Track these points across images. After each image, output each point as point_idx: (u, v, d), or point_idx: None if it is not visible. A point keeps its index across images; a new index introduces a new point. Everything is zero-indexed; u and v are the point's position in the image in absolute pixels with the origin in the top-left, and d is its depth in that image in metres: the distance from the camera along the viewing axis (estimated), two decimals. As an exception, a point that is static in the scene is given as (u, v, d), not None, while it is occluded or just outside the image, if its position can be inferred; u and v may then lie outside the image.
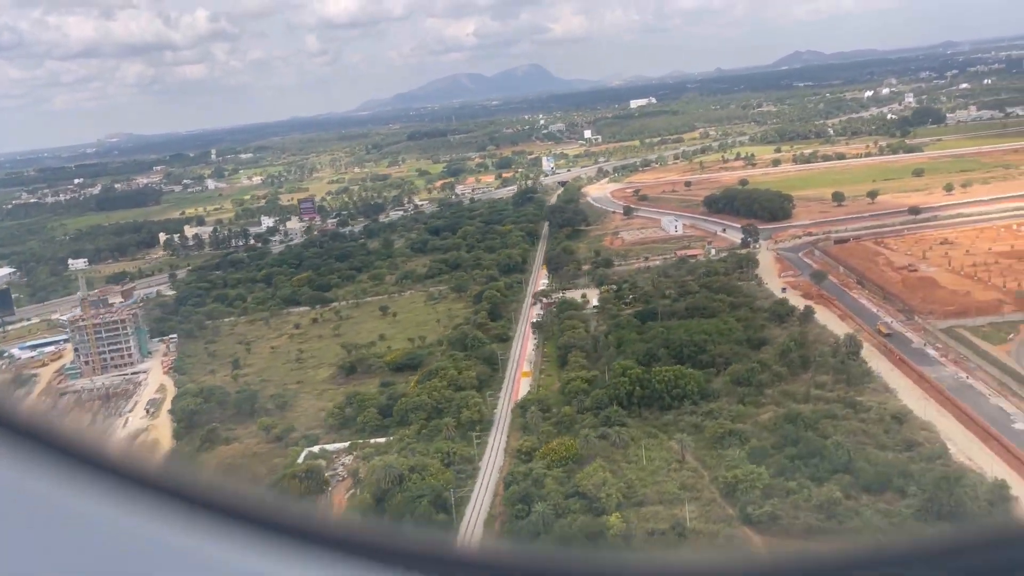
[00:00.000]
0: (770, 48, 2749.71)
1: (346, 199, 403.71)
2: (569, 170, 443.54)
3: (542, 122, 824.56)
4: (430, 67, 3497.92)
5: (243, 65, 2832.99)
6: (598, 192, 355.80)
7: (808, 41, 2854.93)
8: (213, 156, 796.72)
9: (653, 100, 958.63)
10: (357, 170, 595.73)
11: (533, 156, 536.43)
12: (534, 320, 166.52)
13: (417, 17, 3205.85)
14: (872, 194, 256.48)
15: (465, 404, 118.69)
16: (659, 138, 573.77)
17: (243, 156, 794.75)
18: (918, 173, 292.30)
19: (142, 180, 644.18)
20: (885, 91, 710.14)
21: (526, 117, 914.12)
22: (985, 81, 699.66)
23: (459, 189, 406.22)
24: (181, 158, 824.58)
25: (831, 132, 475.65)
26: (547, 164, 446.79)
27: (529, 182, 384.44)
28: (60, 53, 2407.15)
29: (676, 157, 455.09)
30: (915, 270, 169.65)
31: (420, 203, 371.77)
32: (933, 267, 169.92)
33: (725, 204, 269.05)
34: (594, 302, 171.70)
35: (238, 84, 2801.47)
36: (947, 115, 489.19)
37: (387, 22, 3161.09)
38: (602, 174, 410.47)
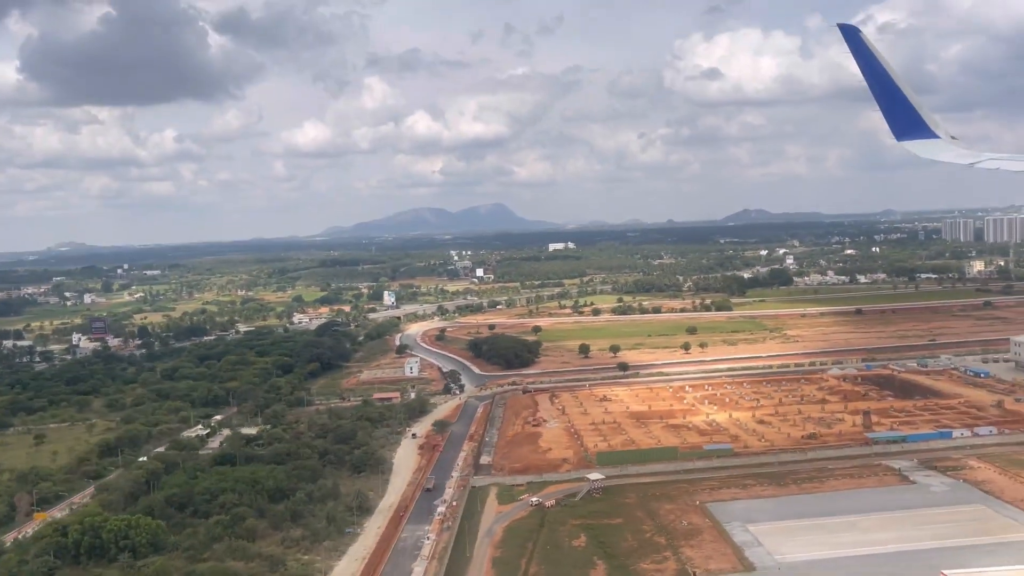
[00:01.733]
0: (722, 204, 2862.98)
1: (177, 321, 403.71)
2: (421, 305, 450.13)
3: (455, 258, 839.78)
4: (396, 199, 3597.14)
5: (210, 184, 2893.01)
6: (415, 329, 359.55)
7: (759, 200, 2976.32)
8: (120, 271, 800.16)
9: (571, 245, 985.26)
10: (241, 292, 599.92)
11: (418, 289, 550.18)
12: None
13: (384, 152, 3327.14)
14: (615, 348, 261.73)
15: None
16: (540, 282, 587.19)
17: (148, 273, 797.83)
18: (691, 331, 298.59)
19: (29, 290, 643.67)
20: (780, 251, 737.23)
21: (452, 253, 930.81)
22: (873, 249, 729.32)
23: (298, 317, 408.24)
24: (92, 270, 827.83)
25: (682, 287, 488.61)
26: (388, 299, 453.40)
27: (346, 316, 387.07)
28: (23, 161, 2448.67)
29: (527, 301, 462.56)
30: (537, 425, 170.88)
31: (242, 329, 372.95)
32: (556, 423, 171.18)
33: (487, 349, 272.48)
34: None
35: (204, 202, 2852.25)
36: (796, 279, 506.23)
37: (354, 154, 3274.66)
38: (440, 312, 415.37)
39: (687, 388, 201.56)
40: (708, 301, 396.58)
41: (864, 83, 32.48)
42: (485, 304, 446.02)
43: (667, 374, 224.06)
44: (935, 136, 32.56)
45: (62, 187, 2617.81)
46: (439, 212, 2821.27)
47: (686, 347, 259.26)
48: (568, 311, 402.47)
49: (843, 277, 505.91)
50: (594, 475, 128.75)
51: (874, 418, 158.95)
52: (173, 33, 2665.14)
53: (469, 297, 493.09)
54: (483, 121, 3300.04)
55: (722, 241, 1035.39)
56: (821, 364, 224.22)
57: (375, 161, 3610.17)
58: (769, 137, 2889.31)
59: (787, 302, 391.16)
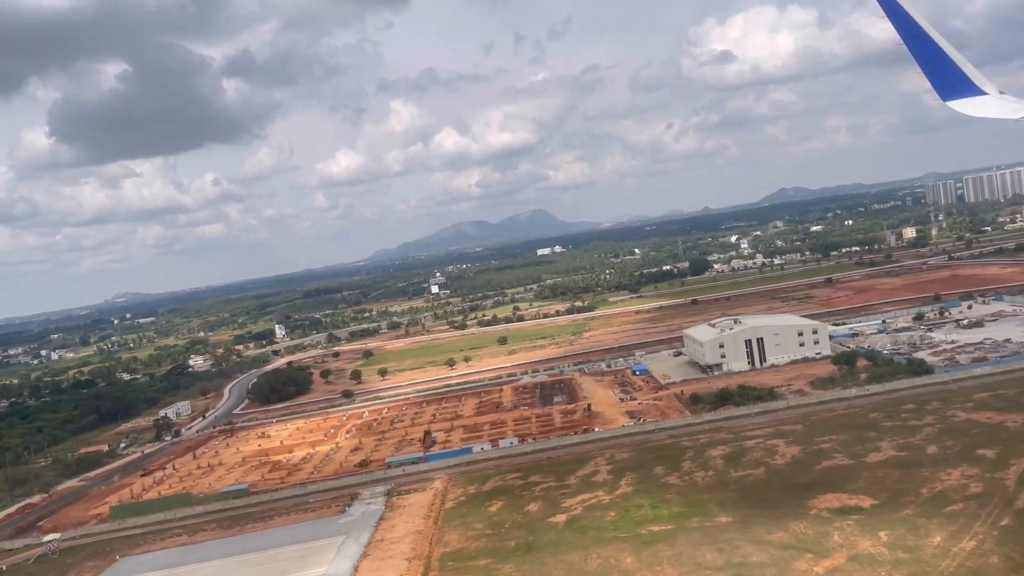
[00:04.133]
0: (762, 185, 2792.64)
1: (77, 373, 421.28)
2: (312, 336, 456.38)
3: (438, 275, 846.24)
4: (438, 216, 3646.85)
5: (258, 222, 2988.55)
6: (277, 364, 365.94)
7: (799, 178, 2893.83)
8: (115, 322, 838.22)
9: (559, 248, 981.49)
10: (203, 334, 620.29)
11: (371, 313, 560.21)
12: None
13: (417, 172, 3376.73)
14: (383, 372, 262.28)
15: None
16: (481, 294, 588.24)
17: (141, 321, 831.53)
18: (502, 341, 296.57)
19: (16, 350, 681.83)
20: (733, 238, 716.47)
21: (447, 270, 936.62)
22: (847, 222, 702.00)
23: (195, 360, 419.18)
24: (95, 324, 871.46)
25: (601, 286, 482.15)
26: (279, 332, 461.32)
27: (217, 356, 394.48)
28: (75, 220, 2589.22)
29: (437, 318, 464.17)
30: (146, 474, 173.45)
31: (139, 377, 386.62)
32: (168, 471, 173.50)
33: (261, 384, 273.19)
34: None
35: (256, 240, 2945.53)
36: (718, 265, 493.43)
37: (388, 178, 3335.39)
38: (330, 340, 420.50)
39: (361, 415, 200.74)
40: (584, 303, 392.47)
41: (901, 45, 31.68)
42: (384, 326, 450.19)
43: (383, 397, 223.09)
44: (982, 93, 31.18)
45: (117, 240, 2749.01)
46: (480, 224, 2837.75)
47: (451, 363, 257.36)
48: (447, 326, 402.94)
49: (767, 259, 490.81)
50: (50, 536, 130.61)
51: (441, 436, 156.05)
52: (189, 82, 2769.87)
53: (396, 318, 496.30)
54: (510, 130, 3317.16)
55: (723, 228, 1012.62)
56: (533, 372, 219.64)
57: (411, 181, 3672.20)
58: (803, 113, 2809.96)
59: (658, 296, 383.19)
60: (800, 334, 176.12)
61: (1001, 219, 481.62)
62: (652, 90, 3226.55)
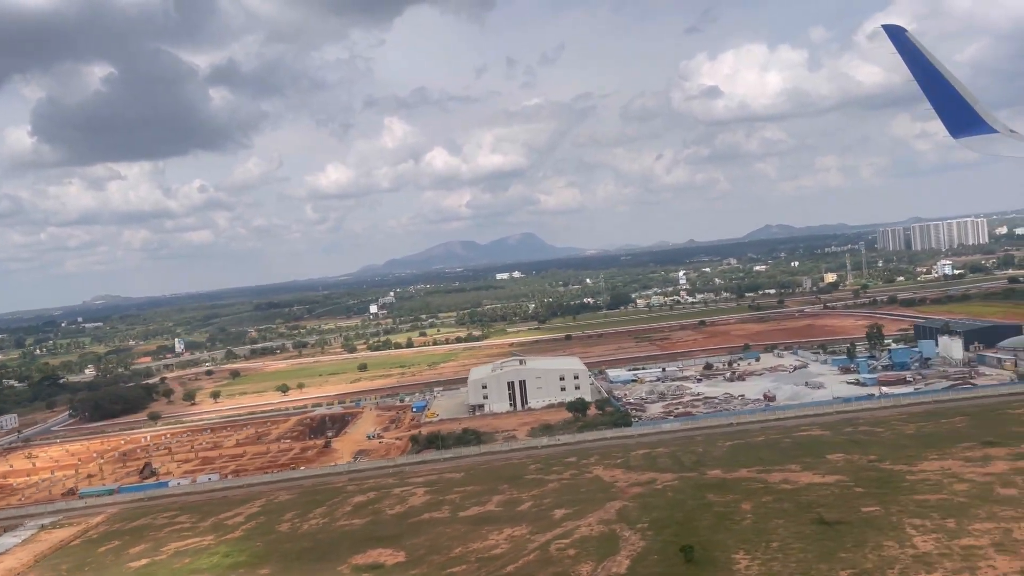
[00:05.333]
0: (750, 220, 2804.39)
1: None
2: (210, 352, 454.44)
3: (390, 296, 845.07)
4: (428, 235, 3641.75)
5: (247, 232, 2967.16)
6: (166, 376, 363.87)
7: (786, 215, 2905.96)
8: (64, 326, 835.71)
9: (517, 274, 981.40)
10: (132, 343, 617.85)
11: (304, 329, 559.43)
12: None
13: (407, 189, 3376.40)
14: (215, 395, 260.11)
15: None
16: (414, 316, 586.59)
17: (89, 326, 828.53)
18: (362, 367, 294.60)
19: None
20: (681, 273, 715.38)
21: (397, 291, 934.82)
22: (793, 264, 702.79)
23: (89, 370, 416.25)
24: (52, 324, 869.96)
25: (519, 315, 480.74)
26: (178, 346, 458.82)
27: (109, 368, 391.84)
28: (59, 219, 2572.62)
29: (347, 340, 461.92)
30: None
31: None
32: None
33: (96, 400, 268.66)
34: None
35: (245, 249, 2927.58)
36: (640, 301, 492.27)
37: (378, 193, 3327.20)
38: (229, 356, 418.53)
39: (140, 440, 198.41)
40: (480, 332, 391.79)
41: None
42: (289, 345, 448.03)
43: (185, 422, 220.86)
44: (993, 131, 31.16)
45: (103, 242, 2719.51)
46: (469, 244, 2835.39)
47: (283, 389, 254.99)
48: (340, 349, 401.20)
49: (690, 296, 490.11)
50: None
51: (175, 467, 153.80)
52: (174, 87, 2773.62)
53: (317, 336, 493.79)
54: (501, 152, 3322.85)
55: (687, 262, 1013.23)
56: (340, 403, 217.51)
57: (402, 199, 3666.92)
58: (793, 151, 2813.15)
59: (562, 329, 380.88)
60: (562, 378, 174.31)
61: (919, 269, 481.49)
62: (644, 120, 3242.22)
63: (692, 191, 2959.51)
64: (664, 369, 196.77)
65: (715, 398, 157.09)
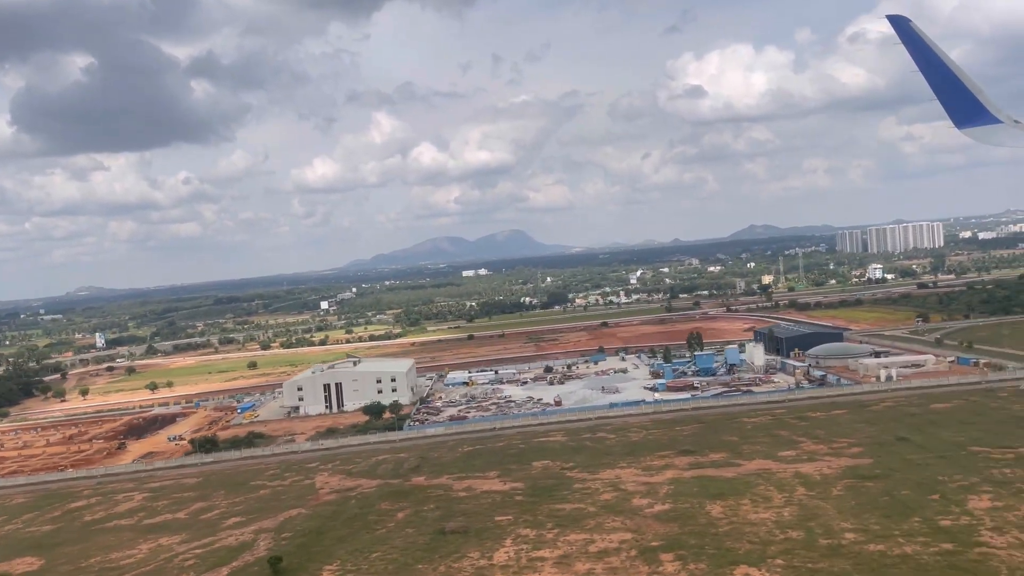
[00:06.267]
0: (736, 220, 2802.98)
1: None
2: (131, 347, 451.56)
3: (350, 292, 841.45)
4: (416, 230, 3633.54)
5: (235, 224, 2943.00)
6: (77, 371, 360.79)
7: (770, 215, 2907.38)
8: (22, 316, 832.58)
9: (483, 272, 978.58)
10: (79, 336, 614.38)
11: (251, 324, 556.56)
12: None
13: (394, 184, 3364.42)
14: (84, 391, 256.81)
15: None
16: (359, 313, 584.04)
17: (46, 317, 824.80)
18: (252, 366, 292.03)
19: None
20: (638, 273, 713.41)
21: (361, 287, 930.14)
22: (749, 265, 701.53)
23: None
24: (13, 316, 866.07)
25: (454, 314, 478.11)
26: (99, 340, 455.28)
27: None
28: (44, 209, 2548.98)
29: (278, 335, 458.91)
30: None
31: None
32: None
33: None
34: None
35: (233, 242, 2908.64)
36: (580, 300, 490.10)
37: (365, 188, 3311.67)
38: (150, 352, 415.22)
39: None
40: (399, 330, 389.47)
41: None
42: (216, 341, 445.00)
43: (29, 420, 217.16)
44: (997, 121, 30.82)
45: (89, 232, 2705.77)
46: (456, 241, 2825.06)
47: (152, 387, 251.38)
48: (256, 346, 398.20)
49: (624, 298, 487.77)
50: None
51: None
52: (154, 79, 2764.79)
53: (251, 333, 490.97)
54: (488, 149, 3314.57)
55: (665, 260, 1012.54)
56: (186, 403, 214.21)
57: (390, 194, 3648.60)
58: (780, 151, 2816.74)
59: (486, 327, 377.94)
60: (379, 381, 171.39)
61: (854, 273, 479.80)
62: (631, 119, 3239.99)
63: (680, 190, 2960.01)
64: (496, 372, 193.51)
65: (516, 402, 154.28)
